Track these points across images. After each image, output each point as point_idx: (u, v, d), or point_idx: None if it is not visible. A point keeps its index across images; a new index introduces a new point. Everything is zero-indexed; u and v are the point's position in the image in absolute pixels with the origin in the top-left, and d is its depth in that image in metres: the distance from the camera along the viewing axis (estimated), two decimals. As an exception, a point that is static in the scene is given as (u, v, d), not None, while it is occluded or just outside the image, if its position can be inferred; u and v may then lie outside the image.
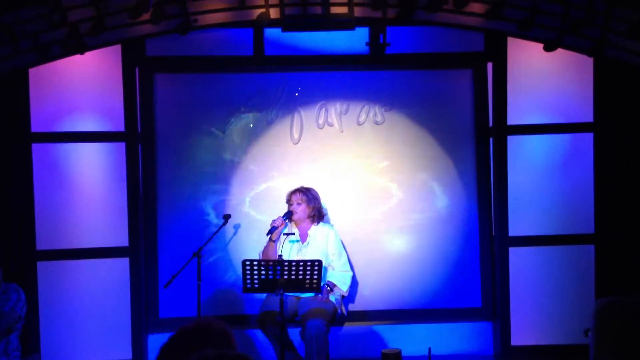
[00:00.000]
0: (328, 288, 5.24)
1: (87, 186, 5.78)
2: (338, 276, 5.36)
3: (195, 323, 2.05)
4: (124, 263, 5.78)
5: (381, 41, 5.51)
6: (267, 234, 5.28)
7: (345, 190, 6.11)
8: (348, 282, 5.39)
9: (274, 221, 5.29)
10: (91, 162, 5.80)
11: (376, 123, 6.12)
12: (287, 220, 5.33)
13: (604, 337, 2.13)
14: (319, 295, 5.10)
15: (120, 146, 5.80)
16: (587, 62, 5.83)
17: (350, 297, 5.84)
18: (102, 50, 5.60)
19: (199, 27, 5.37)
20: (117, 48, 5.70)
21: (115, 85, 5.78)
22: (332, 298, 5.23)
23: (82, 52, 5.31)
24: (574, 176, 5.94)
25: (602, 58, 5.67)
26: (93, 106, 5.78)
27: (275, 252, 5.19)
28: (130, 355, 5.76)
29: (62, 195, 5.73)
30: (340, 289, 5.32)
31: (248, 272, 4.74)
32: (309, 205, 5.38)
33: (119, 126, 5.79)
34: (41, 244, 5.71)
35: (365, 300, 6.07)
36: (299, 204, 5.38)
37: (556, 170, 5.95)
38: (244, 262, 4.74)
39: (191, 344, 1.94)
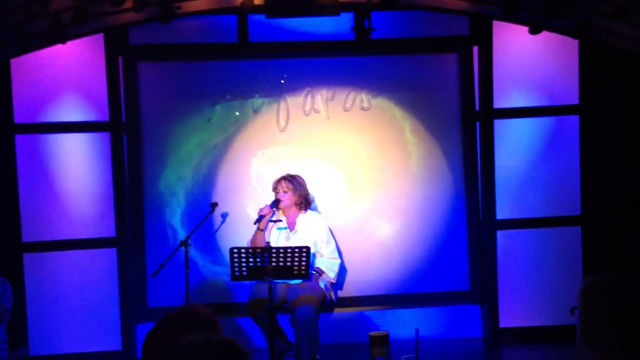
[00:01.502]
0: (316, 274, 5.24)
1: (72, 177, 5.74)
2: (326, 262, 5.36)
3: (180, 309, 2.04)
4: (111, 253, 5.76)
5: (366, 26, 5.47)
6: (255, 223, 5.27)
7: (332, 177, 6.10)
8: (336, 269, 5.39)
9: (261, 210, 5.27)
10: (76, 153, 5.76)
11: (362, 109, 6.11)
12: (274, 209, 5.31)
13: (590, 315, 2.14)
14: (308, 282, 5.10)
15: (105, 136, 5.76)
16: (572, 44, 5.84)
17: (339, 283, 5.85)
18: (84, 40, 5.55)
19: (182, 15, 5.32)
20: (100, 37, 5.65)
21: (99, 75, 5.73)
22: (320, 284, 5.23)
23: (64, 42, 5.26)
24: (560, 158, 5.97)
25: (587, 40, 5.67)
26: (77, 96, 5.73)
27: (264, 240, 5.18)
28: (119, 346, 5.75)
29: (47, 186, 5.69)
30: (328, 275, 5.32)
31: (236, 259, 4.73)
32: (295, 193, 5.36)
33: (104, 116, 5.74)
34: (27, 236, 5.68)
35: (354, 286, 6.09)
36: (285, 192, 5.35)
37: (542, 153, 5.96)
38: (231, 249, 4.73)
39: (177, 330, 1.92)
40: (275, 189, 5.40)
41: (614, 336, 2.07)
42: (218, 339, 1.73)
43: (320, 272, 5.29)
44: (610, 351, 2.07)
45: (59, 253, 5.71)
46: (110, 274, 5.76)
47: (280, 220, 5.39)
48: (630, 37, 5.41)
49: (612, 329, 2.08)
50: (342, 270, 5.82)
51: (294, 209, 5.42)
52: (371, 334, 3.85)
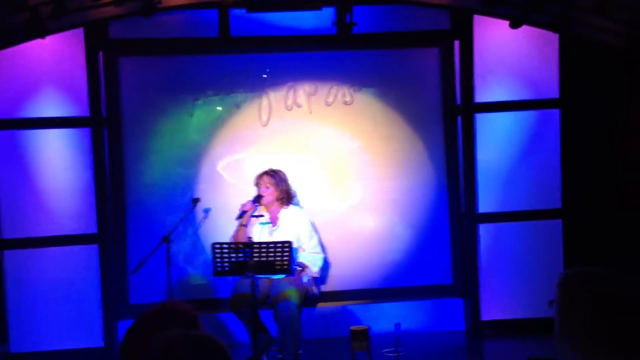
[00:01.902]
0: (299, 269, 5.24)
1: (52, 173, 5.69)
2: (309, 257, 5.36)
3: (159, 305, 2.03)
4: (92, 250, 5.73)
5: (348, 21, 5.48)
6: (237, 219, 5.25)
7: (315, 172, 6.10)
8: (319, 263, 5.39)
9: (243, 205, 5.25)
10: (56, 148, 5.71)
11: (345, 104, 6.11)
12: (256, 204, 5.30)
13: (568, 307, 2.15)
14: (291, 277, 5.10)
15: (86, 131, 5.72)
16: (553, 38, 5.87)
17: (322, 277, 5.85)
18: (64, 34, 5.51)
19: (163, 9, 5.29)
20: (80, 31, 5.60)
21: (79, 70, 5.68)
22: (304, 279, 5.23)
23: (43, 36, 5.20)
24: (541, 152, 6.01)
25: (567, 34, 5.71)
26: (56, 92, 5.68)
27: (246, 235, 5.17)
28: (101, 343, 5.72)
29: (28, 182, 5.64)
30: (311, 270, 5.33)
31: (218, 255, 4.72)
32: (277, 188, 5.34)
33: (84, 111, 5.70)
34: (7, 233, 5.63)
35: (337, 280, 6.10)
36: (267, 187, 5.33)
37: (524, 146, 6.00)
38: (213, 245, 4.72)
39: (156, 326, 1.91)
40: (257, 184, 5.39)
41: (592, 328, 2.08)
42: (196, 335, 1.73)
43: (303, 267, 5.29)
44: (587, 343, 2.08)
45: (39, 250, 5.67)
46: (91, 271, 5.73)
47: (263, 215, 5.38)
48: (609, 31, 5.45)
49: (589, 321, 2.09)
50: (326, 265, 5.82)
51: (276, 204, 5.41)
52: (352, 328, 3.86)
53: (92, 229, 5.73)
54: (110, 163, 5.87)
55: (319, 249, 5.46)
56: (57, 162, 5.71)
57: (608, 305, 2.07)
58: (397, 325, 3.55)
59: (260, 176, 5.39)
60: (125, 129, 5.94)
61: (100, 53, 5.75)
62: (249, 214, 5.26)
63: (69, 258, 5.71)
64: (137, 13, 5.22)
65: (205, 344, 1.71)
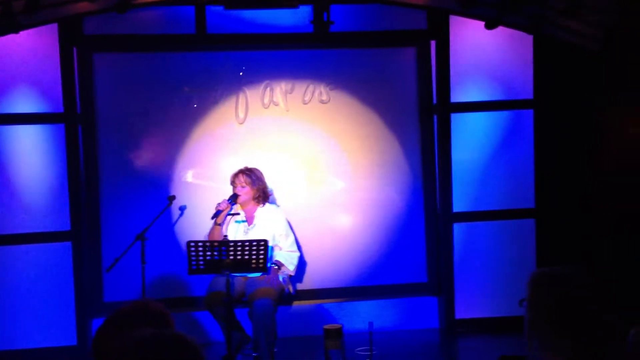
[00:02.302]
0: (275, 267, 5.24)
1: (25, 169, 5.62)
2: (285, 255, 5.35)
3: (131, 304, 2.03)
4: (66, 247, 5.67)
5: (325, 19, 5.49)
6: (212, 218, 5.21)
7: (291, 170, 6.10)
8: (295, 262, 5.39)
9: (218, 204, 5.23)
10: (30, 145, 5.64)
11: (322, 102, 6.12)
12: (232, 203, 5.27)
13: (538, 306, 2.18)
14: (266, 275, 5.09)
15: (60, 128, 5.66)
16: (527, 40, 5.93)
17: (298, 276, 5.85)
18: (38, 30, 5.44)
19: (138, 5, 5.26)
20: (54, 27, 5.54)
21: (53, 66, 5.62)
22: (279, 277, 5.23)
23: (16, 32, 5.14)
24: (516, 152, 6.07)
25: (541, 36, 5.77)
26: (30, 87, 5.61)
27: (221, 234, 5.15)
28: (75, 341, 5.67)
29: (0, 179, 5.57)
30: (287, 268, 5.32)
31: (193, 253, 4.70)
32: (253, 187, 5.32)
33: (58, 107, 5.64)
34: (-22, 230, 5.56)
35: (313, 278, 6.11)
36: (243, 186, 5.30)
37: (498, 146, 6.06)
38: (188, 243, 4.70)
39: (128, 325, 1.91)
40: (233, 183, 5.37)
41: (560, 327, 2.11)
42: (168, 334, 1.72)
43: (279, 266, 5.28)
44: (556, 342, 2.12)
45: (11, 247, 5.59)
46: (65, 268, 5.67)
47: (238, 214, 5.36)
48: (583, 34, 5.52)
49: (558, 320, 2.12)
50: (302, 263, 5.83)
51: (252, 202, 5.39)
52: (325, 327, 3.88)
53: (66, 226, 5.67)
54: (85, 160, 5.82)
55: (294, 248, 5.46)
56: (31, 158, 5.64)
57: (575, 305, 2.11)
58: (371, 323, 3.57)
59: (236, 175, 5.36)
60: (99, 126, 5.89)
61: (75, 49, 5.69)
62: (224, 213, 5.24)
63: (42, 255, 5.65)
64: (111, 9, 5.18)
65: (177, 342, 1.70)
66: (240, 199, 5.30)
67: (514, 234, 6.10)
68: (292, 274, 5.40)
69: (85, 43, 5.73)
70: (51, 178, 5.66)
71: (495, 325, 5.99)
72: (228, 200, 5.24)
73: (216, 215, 5.18)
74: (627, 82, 5.83)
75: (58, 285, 5.67)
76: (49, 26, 5.47)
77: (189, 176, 6.00)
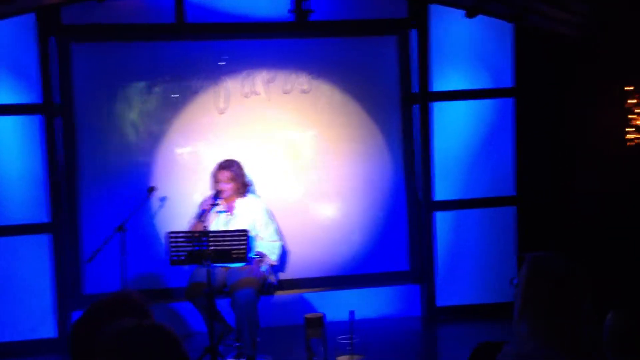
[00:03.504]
0: (258, 258, 5.23)
1: (4, 161, 5.55)
2: (267, 246, 5.34)
3: (110, 295, 2.00)
4: (45, 239, 5.61)
5: (305, 8, 5.46)
6: (198, 218, 5.11)
7: (273, 160, 6.09)
8: (277, 251, 5.38)
9: (203, 203, 5.15)
10: (8, 137, 5.57)
11: (303, 92, 6.10)
12: (216, 200, 5.18)
13: (531, 290, 2.20)
14: (249, 265, 5.08)
15: (38, 119, 5.59)
16: (508, 28, 5.95)
17: (280, 266, 5.85)
18: (15, 19, 5.35)
19: (117, -6, 5.19)
20: (32, 17, 5.46)
21: (31, 56, 5.54)
22: (262, 268, 5.22)
23: (-8, 21, 5.07)
24: (497, 140, 6.10)
25: (524, 25, 5.79)
26: (8, 78, 5.54)
27: (202, 226, 5.09)
28: (55, 333, 5.63)
29: (-23, 171, 5.51)
30: (269, 258, 5.32)
31: (173, 244, 4.68)
32: (236, 182, 5.27)
33: (36, 98, 5.57)
34: (-44, 223, 5.49)
35: (295, 268, 6.11)
36: (226, 183, 5.23)
37: (479, 134, 6.08)
38: (169, 234, 4.68)
39: (106, 316, 1.88)
40: (214, 178, 5.29)
41: (550, 312, 2.14)
42: (147, 325, 1.71)
43: (262, 256, 5.27)
44: (545, 326, 2.14)
45: (-10, 239, 5.54)
46: (44, 261, 5.62)
47: (219, 204, 5.32)
48: (565, 22, 5.55)
49: (549, 305, 2.15)
50: (284, 253, 5.82)
51: (233, 195, 5.34)
52: (306, 316, 3.88)
53: (45, 218, 5.62)
54: (64, 151, 5.76)
55: (276, 237, 5.44)
56: (9, 150, 5.57)
57: (568, 290, 2.13)
58: (352, 312, 3.57)
59: (217, 171, 5.25)
60: (78, 116, 5.83)
61: (53, 39, 5.62)
62: (208, 212, 5.16)
63: (22, 248, 5.59)
64: (89, -2, 5.12)
65: (157, 333, 1.68)
66: (223, 195, 5.24)
67: (495, 222, 6.14)
68: (275, 263, 5.39)
69: (63, 33, 5.66)
70: (30, 169, 5.60)
71: (477, 312, 6.04)
72: (212, 197, 5.17)
73: (201, 214, 5.09)
74: (606, 69, 5.88)
75: (38, 278, 5.62)
76: (26, 16, 5.39)
77: (169, 167, 5.95)
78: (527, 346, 2.14)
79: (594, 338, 2.13)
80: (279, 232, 5.56)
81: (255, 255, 5.23)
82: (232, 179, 5.23)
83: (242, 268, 5.08)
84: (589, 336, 2.11)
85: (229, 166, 5.26)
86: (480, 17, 5.70)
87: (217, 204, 5.22)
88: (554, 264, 2.18)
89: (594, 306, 2.18)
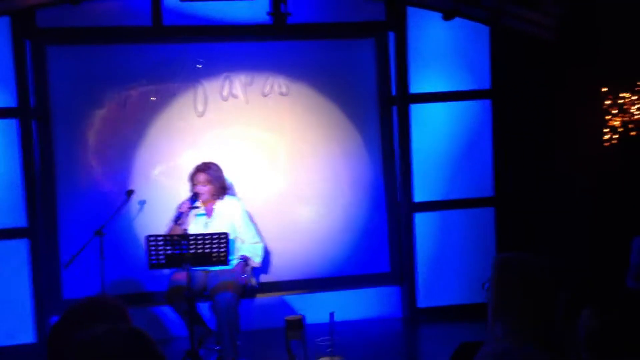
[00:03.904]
0: (242, 262, 5.20)
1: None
2: (249, 248, 5.33)
3: (86, 300, 1.99)
4: (22, 244, 5.56)
5: (282, 11, 5.46)
6: (175, 221, 5.09)
7: (252, 162, 6.08)
8: (260, 253, 5.37)
9: (180, 206, 5.13)
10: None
11: (281, 94, 6.10)
12: (193, 202, 5.16)
13: (502, 291, 2.22)
14: (235, 270, 5.06)
15: (14, 122, 5.53)
16: (484, 30, 5.99)
17: (261, 268, 5.82)
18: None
19: (93, -4, 5.16)
20: (6, 20, 5.41)
21: (6, 59, 5.49)
22: (247, 272, 5.19)
23: (-34, 24, 5.01)
24: (474, 142, 6.14)
25: (499, 27, 5.84)
26: (-18, 82, 5.48)
27: (181, 229, 5.07)
28: (34, 339, 5.57)
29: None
30: (253, 261, 5.30)
31: (153, 248, 4.65)
32: (213, 185, 5.25)
33: (12, 102, 5.52)
34: None
35: (275, 271, 6.10)
36: (204, 185, 5.22)
37: (457, 136, 6.12)
38: (147, 237, 4.65)
39: (82, 321, 1.88)
40: (192, 181, 5.27)
41: (524, 311, 2.15)
42: (124, 329, 1.70)
43: (246, 260, 5.24)
44: (520, 325, 2.15)
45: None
46: (22, 265, 5.56)
47: (198, 207, 5.30)
48: (540, 24, 5.61)
49: (521, 304, 2.16)
50: (266, 253, 5.80)
51: (212, 197, 5.33)
52: (287, 318, 3.89)
53: (22, 222, 5.56)
54: (40, 155, 5.71)
55: (258, 238, 5.42)
56: (-17, 154, 5.52)
57: (538, 290, 2.15)
58: (331, 314, 3.58)
59: (194, 174, 5.24)
60: (55, 120, 5.78)
61: (28, 42, 5.57)
62: (185, 215, 5.14)
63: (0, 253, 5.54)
64: (65, 1, 5.08)
65: (133, 338, 1.68)
66: (201, 197, 5.23)
67: (475, 223, 6.17)
68: (259, 265, 5.38)
69: (38, 35, 5.61)
70: (6, 174, 5.54)
71: (457, 312, 6.07)
72: (189, 200, 5.14)
73: (178, 217, 5.07)
74: (582, 71, 5.95)
75: (16, 283, 5.56)
76: (0, 19, 5.33)
77: (147, 170, 5.92)
78: (503, 346, 2.16)
79: (569, 335, 2.15)
80: (259, 233, 5.54)
81: (239, 259, 5.21)
82: (209, 181, 5.21)
83: (223, 271, 5.06)
84: (564, 333, 2.13)
85: (206, 169, 5.25)
86: (457, 20, 5.74)
87: (195, 207, 5.21)
88: (521, 264, 2.21)
89: (570, 304, 2.20)
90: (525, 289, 2.17)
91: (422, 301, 6.13)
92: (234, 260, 5.20)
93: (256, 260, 5.32)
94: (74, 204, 5.82)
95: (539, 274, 2.19)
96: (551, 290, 2.17)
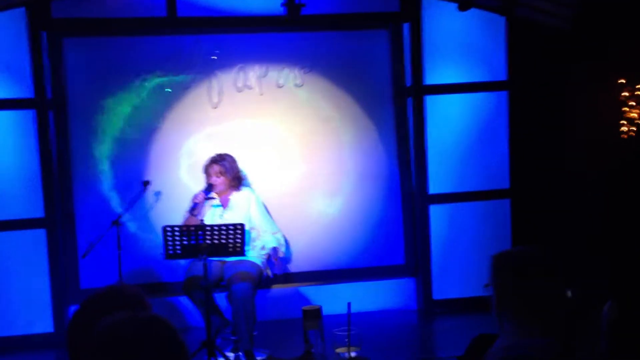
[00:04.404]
0: (272, 252, 5.19)
1: (-2, 156, 5.55)
2: (272, 239, 5.29)
3: (106, 288, 2.00)
4: (40, 234, 5.61)
5: (297, 1, 5.45)
6: (190, 212, 5.13)
7: (267, 154, 6.08)
8: (283, 242, 5.35)
9: (195, 197, 5.15)
10: (0, 131, 5.55)
11: (295, 85, 6.10)
12: (208, 194, 5.18)
13: (501, 288, 2.24)
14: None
15: (31, 113, 5.57)
16: (500, 21, 5.95)
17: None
18: (5, 14, 5.33)
19: (108, -13, 5.17)
20: (22, 11, 5.44)
21: (22, 51, 5.53)
22: (257, 261, 5.20)
23: (-17, 16, 5.04)
24: (490, 133, 6.11)
25: (514, 17, 5.80)
26: (-1, 73, 5.52)
27: (197, 220, 5.09)
28: (52, 328, 5.63)
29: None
30: (281, 251, 5.30)
31: (169, 238, 4.67)
32: (228, 177, 5.25)
33: (28, 93, 5.55)
34: (-50, 219, 5.47)
35: (291, 262, 6.10)
36: (217, 176, 5.23)
37: (473, 127, 6.09)
38: (164, 228, 4.67)
39: (103, 309, 1.88)
40: (206, 172, 5.29)
41: (526, 305, 2.16)
42: (143, 317, 1.70)
43: (276, 251, 5.23)
44: (525, 319, 2.16)
45: (-16, 235, 5.53)
46: (40, 256, 5.62)
47: (214, 198, 5.32)
48: (555, 14, 5.56)
49: (522, 299, 2.18)
50: (285, 241, 5.79)
51: (227, 189, 5.34)
52: (304, 308, 3.90)
53: (40, 213, 5.60)
54: (57, 145, 5.75)
55: (276, 228, 5.40)
56: (1, 145, 5.56)
57: (534, 284, 2.16)
58: (349, 304, 3.59)
59: (209, 165, 5.25)
60: (71, 111, 5.81)
61: (44, 33, 5.60)
62: (200, 205, 5.17)
63: (17, 243, 5.58)
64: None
65: (153, 325, 1.68)
66: (215, 188, 5.24)
67: (490, 214, 6.15)
68: (284, 255, 5.37)
69: (54, 27, 5.64)
70: (23, 164, 5.59)
71: (473, 304, 6.05)
72: (204, 191, 5.16)
73: (193, 208, 5.10)
74: (599, 62, 5.90)
75: (34, 273, 5.61)
76: (16, 10, 5.36)
77: (163, 161, 5.94)
78: (515, 339, 2.16)
79: (579, 327, 2.16)
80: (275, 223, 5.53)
81: (268, 251, 5.20)
82: (223, 172, 5.22)
83: (239, 262, 5.08)
84: (572, 325, 2.14)
85: (220, 160, 5.26)
86: (472, 10, 5.70)
87: (211, 198, 5.22)
88: (515, 259, 2.22)
89: (582, 296, 2.20)
90: (523, 283, 2.19)
91: (437, 293, 6.12)
92: (262, 252, 5.20)
93: (282, 249, 5.32)
94: (91, 195, 5.85)
95: (533, 266, 2.20)
96: (551, 286, 2.18)
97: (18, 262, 5.59)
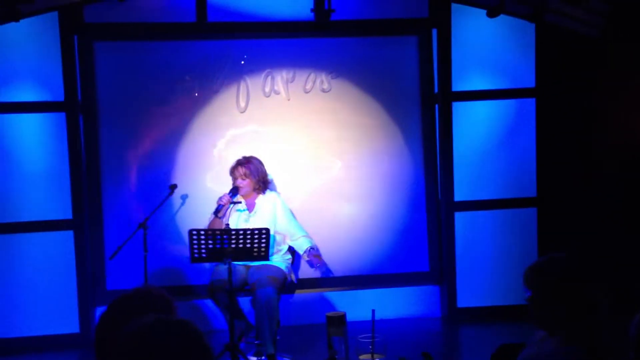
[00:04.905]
0: (315, 252, 5.22)
1: (27, 158, 5.63)
2: (303, 242, 5.31)
3: (134, 290, 2.03)
4: (68, 236, 5.68)
5: (326, 7, 5.47)
6: (214, 213, 5.18)
7: (293, 159, 6.09)
8: (314, 243, 5.38)
9: (220, 199, 5.19)
10: (31, 134, 5.64)
11: (323, 91, 6.10)
12: (233, 196, 5.22)
13: (541, 297, 2.22)
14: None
15: (61, 116, 5.65)
16: (529, 28, 5.91)
17: (297, 264, 5.85)
18: (38, 18, 5.42)
19: (139, -7, 5.23)
20: (54, 15, 5.53)
21: (54, 54, 5.61)
22: (281, 265, 5.21)
23: (17, 20, 5.11)
24: (517, 141, 6.06)
25: (543, 24, 5.76)
26: (31, 76, 5.61)
27: (222, 224, 5.13)
28: (77, 329, 5.70)
29: (1, 167, 5.57)
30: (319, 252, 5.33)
31: (195, 242, 4.70)
32: (253, 179, 5.28)
33: (59, 96, 5.64)
34: (-22, 219, 5.56)
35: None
36: (243, 179, 5.26)
37: (500, 135, 6.05)
38: (190, 231, 4.70)
39: (130, 311, 1.91)
40: (232, 174, 5.32)
41: (564, 314, 2.15)
42: (171, 320, 1.72)
43: (317, 250, 5.26)
44: (562, 328, 2.14)
45: (13, 235, 5.61)
46: (67, 256, 5.69)
47: (240, 202, 5.35)
48: (584, 21, 5.52)
49: (560, 307, 2.16)
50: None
51: (253, 192, 5.37)
52: (328, 314, 3.88)
53: (68, 214, 5.68)
54: (86, 148, 5.82)
55: (304, 231, 5.41)
56: (32, 147, 5.65)
57: (574, 292, 2.14)
58: (373, 311, 3.57)
59: (235, 167, 5.30)
60: (101, 114, 5.88)
61: (75, 37, 5.68)
62: (225, 207, 5.21)
63: (44, 244, 5.66)
64: (112, -3, 5.16)
65: (180, 328, 1.70)
66: (241, 191, 5.27)
67: (516, 223, 6.10)
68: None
69: (86, 31, 5.72)
70: (53, 166, 5.67)
71: (497, 313, 6.01)
72: (229, 194, 5.20)
73: (218, 210, 5.15)
74: (628, 68, 5.82)
75: (61, 274, 5.69)
76: (49, 14, 5.45)
77: (190, 165, 5.98)
78: (546, 348, 2.14)
79: (615, 338, 2.13)
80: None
81: (310, 250, 5.21)
82: (248, 175, 5.24)
83: (263, 266, 5.10)
84: (608, 335, 2.12)
85: (246, 162, 5.29)
86: (501, 17, 5.66)
87: (237, 202, 5.25)
88: (554, 267, 2.21)
89: (614, 306, 2.18)
90: (562, 292, 2.17)
91: (462, 301, 6.08)
92: (305, 254, 5.25)
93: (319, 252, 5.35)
94: (118, 197, 5.92)
95: (573, 275, 2.19)
96: (587, 291, 2.17)
97: (46, 263, 5.67)
